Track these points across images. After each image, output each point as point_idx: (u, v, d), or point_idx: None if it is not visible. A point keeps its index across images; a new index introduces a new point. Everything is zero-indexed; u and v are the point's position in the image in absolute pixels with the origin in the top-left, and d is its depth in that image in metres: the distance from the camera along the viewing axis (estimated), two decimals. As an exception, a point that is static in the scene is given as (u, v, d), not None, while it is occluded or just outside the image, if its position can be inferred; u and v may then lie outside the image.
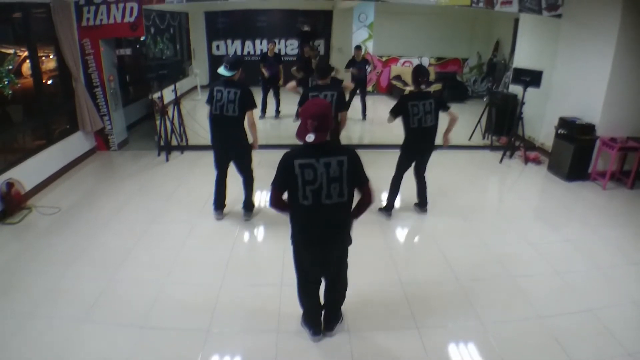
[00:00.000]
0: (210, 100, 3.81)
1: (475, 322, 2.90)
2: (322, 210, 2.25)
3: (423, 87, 3.92)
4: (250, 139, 4.02)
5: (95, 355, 2.57)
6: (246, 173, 4.14)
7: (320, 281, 2.61)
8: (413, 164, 4.26)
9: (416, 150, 4.14)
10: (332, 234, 2.37)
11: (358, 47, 7.93)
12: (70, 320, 2.84)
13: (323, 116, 2.19)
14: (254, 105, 3.80)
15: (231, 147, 3.98)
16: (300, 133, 2.23)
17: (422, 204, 4.47)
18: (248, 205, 4.27)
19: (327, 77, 4.00)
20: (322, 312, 2.72)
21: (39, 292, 3.12)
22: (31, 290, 3.14)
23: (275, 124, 8.01)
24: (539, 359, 2.61)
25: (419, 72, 3.92)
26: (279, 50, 10.68)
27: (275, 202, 2.32)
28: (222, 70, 3.73)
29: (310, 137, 2.17)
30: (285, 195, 2.33)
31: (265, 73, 7.62)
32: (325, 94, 3.85)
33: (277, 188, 2.28)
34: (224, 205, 4.29)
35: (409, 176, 4.35)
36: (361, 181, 2.33)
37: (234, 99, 3.68)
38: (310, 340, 2.70)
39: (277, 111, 8.17)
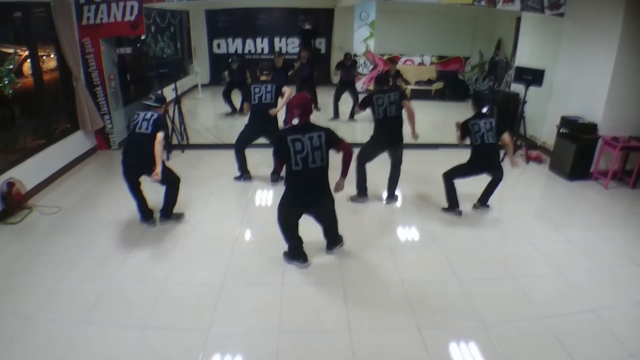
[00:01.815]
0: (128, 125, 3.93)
1: (477, 323, 2.89)
2: (309, 172, 3.03)
3: (484, 110, 4.24)
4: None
5: (97, 356, 2.57)
6: (168, 182, 4.00)
7: (298, 223, 3.33)
8: (490, 179, 4.44)
9: (481, 168, 4.35)
10: (318, 189, 3.16)
11: (393, 61, 8.07)
12: (71, 321, 2.84)
13: (305, 105, 3.00)
14: (166, 128, 4.00)
15: (140, 167, 3.89)
16: (289, 119, 2.98)
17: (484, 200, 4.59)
18: (167, 211, 4.11)
19: (385, 85, 4.58)
20: (302, 246, 3.43)
21: (40, 293, 3.11)
22: (32, 291, 3.14)
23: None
24: (541, 359, 2.60)
25: (479, 98, 4.57)
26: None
27: (277, 166, 3.38)
28: (148, 101, 3.98)
29: (295, 121, 2.96)
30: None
31: (227, 78, 8.19)
32: (389, 95, 4.36)
33: (277, 157, 3.17)
34: (151, 213, 4.12)
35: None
36: (337, 141, 3.09)
37: (149, 119, 3.80)
38: (311, 342, 2.71)
39: (241, 108, 7.97)
